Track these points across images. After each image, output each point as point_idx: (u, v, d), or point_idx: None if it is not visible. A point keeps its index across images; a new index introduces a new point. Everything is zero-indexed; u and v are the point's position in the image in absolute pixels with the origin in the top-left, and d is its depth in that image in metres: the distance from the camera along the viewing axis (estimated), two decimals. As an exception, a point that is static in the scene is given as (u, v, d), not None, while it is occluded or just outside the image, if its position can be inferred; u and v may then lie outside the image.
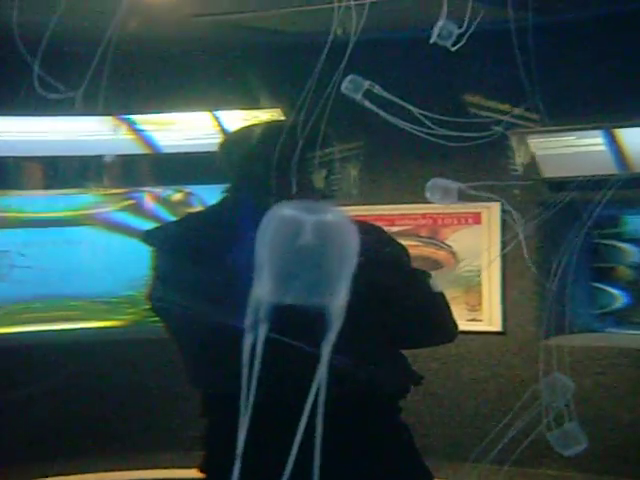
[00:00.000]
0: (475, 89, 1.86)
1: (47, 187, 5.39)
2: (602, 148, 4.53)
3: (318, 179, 2.24)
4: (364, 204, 4.77)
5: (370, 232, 2.46)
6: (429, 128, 1.73)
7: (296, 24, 4.14)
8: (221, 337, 1.85)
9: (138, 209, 5.51)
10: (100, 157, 5.26)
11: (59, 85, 1.51)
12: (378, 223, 4.84)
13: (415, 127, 1.73)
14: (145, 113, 5.13)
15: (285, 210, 1.15)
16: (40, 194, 5.40)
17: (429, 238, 4.98)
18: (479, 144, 2.02)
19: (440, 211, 4.92)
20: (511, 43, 1.85)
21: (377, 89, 1.63)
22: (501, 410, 4.37)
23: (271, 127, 2.39)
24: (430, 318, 2.31)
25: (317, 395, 1.17)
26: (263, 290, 1.18)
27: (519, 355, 4.91)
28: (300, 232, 1.14)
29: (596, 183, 3.71)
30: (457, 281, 4.90)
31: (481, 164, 4.65)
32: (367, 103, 1.64)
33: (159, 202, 5.50)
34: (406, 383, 2.43)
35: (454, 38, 1.66)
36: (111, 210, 5.51)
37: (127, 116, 5.12)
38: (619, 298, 5.17)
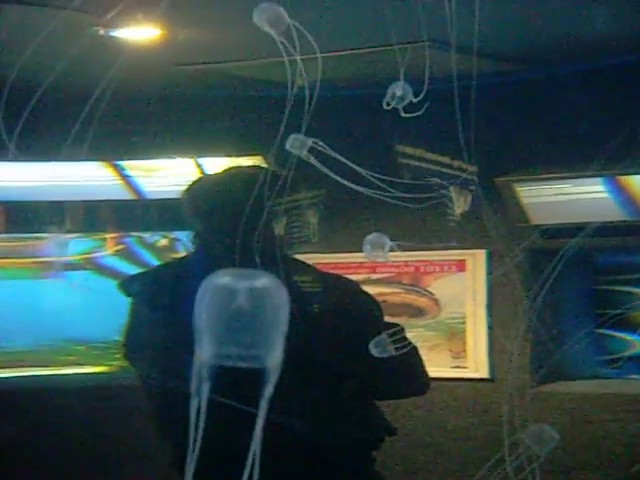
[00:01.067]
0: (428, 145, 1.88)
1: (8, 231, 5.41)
2: (603, 195, 4.50)
3: (279, 227, 2.24)
4: (345, 252, 4.82)
5: (339, 285, 2.46)
6: (381, 189, 1.74)
7: (278, 74, 4.19)
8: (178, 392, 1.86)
9: (128, 254, 5.53)
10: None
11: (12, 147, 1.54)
12: (359, 270, 4.85)
13: (367, 189, 1.73)
14: (128, 160, 5.17)
15: (220, 278, 1.23)
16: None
17: (411, 285, 4.99)
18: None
19: (422, 259, 4.93)
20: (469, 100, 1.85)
21: (321, 146, 1.65)
22: (488, 458, 4.32)
23: (239, 176, 2.39)
24: (400, 371, 2.30)
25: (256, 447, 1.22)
26: (204, 354, 1.25)
27: (508, 402, 4.85)
28: (234, 298, 1.21)
29: (598, 230, 3.66)
30: (440, 328, 4.89)
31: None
32: (312, 160, 1.66)
33: (146, 247, 5.52)
34: (379, 433, 2.42)
35: (406, 102, 1.67)
36: (104, 255, 5.53)
37: (114, 162, 5.17)
38: (636, 344, 5.04)
